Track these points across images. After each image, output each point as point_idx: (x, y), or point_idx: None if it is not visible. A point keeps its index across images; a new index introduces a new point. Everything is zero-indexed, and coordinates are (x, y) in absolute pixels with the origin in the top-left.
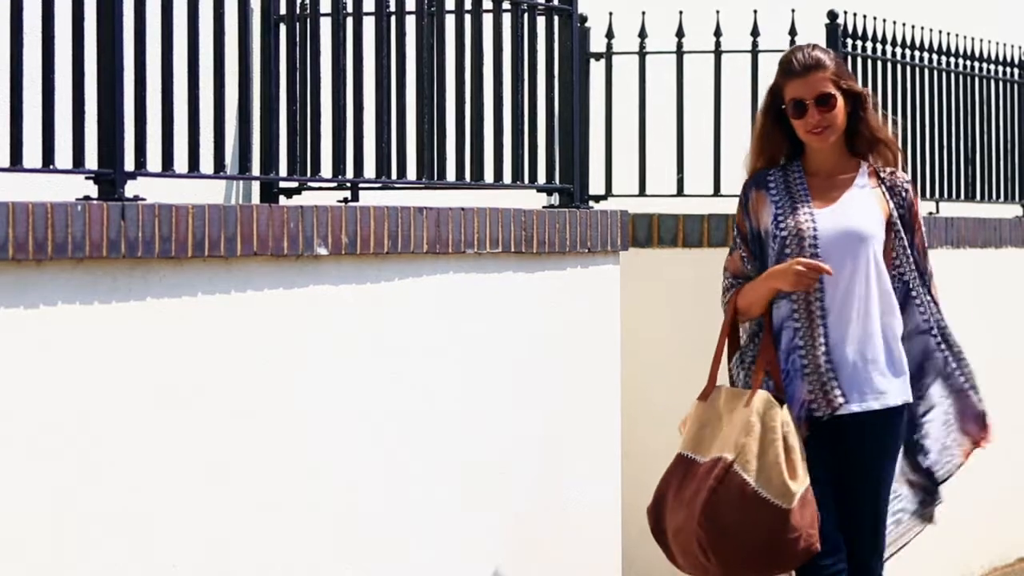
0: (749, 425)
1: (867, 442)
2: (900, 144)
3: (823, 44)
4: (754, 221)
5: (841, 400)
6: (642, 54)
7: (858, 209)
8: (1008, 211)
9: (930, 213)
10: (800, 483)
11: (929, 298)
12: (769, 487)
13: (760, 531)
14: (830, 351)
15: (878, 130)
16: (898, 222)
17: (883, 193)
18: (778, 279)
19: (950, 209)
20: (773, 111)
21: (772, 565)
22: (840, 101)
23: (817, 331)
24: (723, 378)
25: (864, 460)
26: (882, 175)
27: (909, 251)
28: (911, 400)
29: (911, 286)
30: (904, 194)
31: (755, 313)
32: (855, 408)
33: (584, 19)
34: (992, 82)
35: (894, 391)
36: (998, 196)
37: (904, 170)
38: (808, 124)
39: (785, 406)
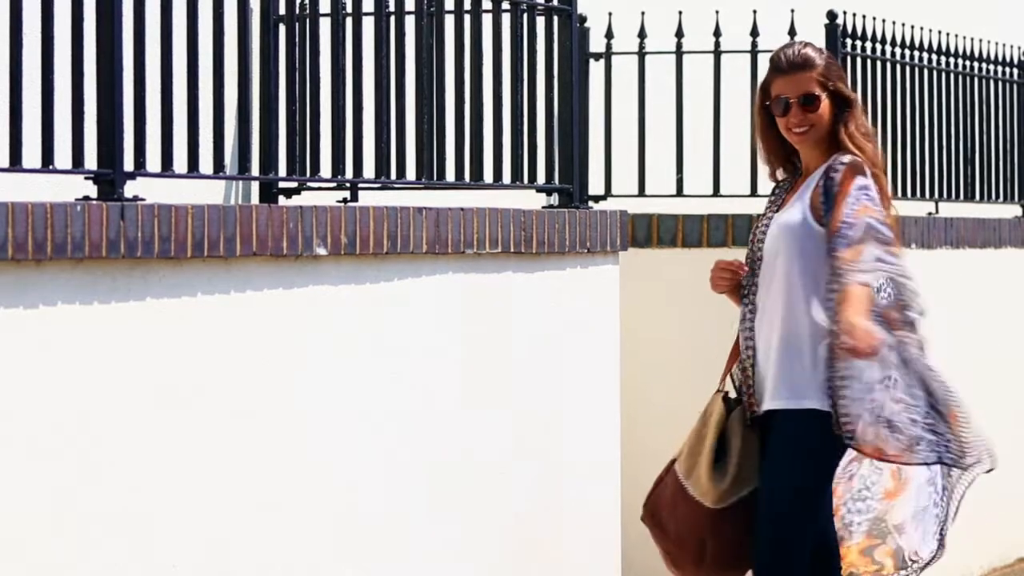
0: (696, 425)
1: (771, 441)
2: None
3: (823, 44)
4: None
5: (755, 404)
6: (641, 54)
7: (792, 207)
8: (1007, 211)
9: (929, 214)
10: (730, 484)
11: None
12: (697, 485)
13: (690, 530)
14: (754, 352)
15: (854, 137)
16: (823, 206)
17: (821, 185)
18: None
19: (949, 209)
20: (765, 108)
21: (708, 571)
22: (825, 102)
23: (747, 331)
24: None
25: (766, 457)
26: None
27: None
28: (819, 407)
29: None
30: (833, 175)
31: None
32: (763, 409)
33: (583, 19)
34: (992, 82)
35: (797, 394)
36: (997, 196)
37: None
38: (789, 123)
39: (741, 406)
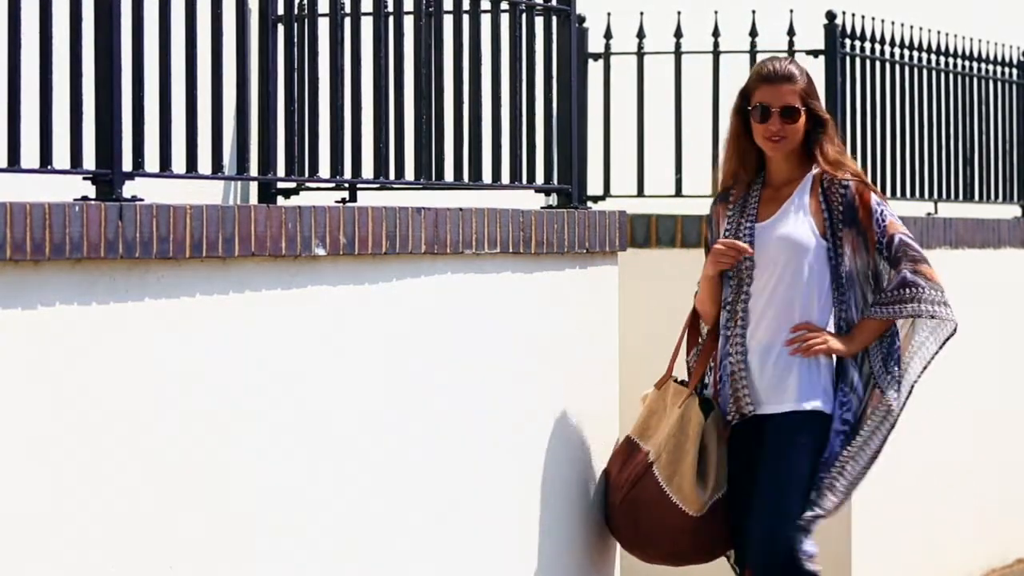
0: (673, 427)
1: (772, 437)
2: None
3: (822, 44)
4: (715, 233)
5: (750, 407)
6: (640, 54)
7: (791, 220)
8: (1007, 211)
9: (928, 214)
10: (711, 492)
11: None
12: (679, 493)
13: (666, 532)
14: (745, 357)
15: (837, 154)
16: (840, 222)
17: (820, 199)
18: (705, 267)
19: (949, 210)
20: (743, 114)
21: (676, 561)
22: (803, 117)
23: (737, 337)
24: (685, 367)
25: (768, 453)
26: (824, 179)
27: (865, 249)
28: (823, 409)
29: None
30: (844, 191)
31: (710, 313)
32: (762, 411)
33: (582, 19)
34: (991, 83)
35: (804, 396)
36: (997, 197)
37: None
38: (768, 131)
39: (715, 410)
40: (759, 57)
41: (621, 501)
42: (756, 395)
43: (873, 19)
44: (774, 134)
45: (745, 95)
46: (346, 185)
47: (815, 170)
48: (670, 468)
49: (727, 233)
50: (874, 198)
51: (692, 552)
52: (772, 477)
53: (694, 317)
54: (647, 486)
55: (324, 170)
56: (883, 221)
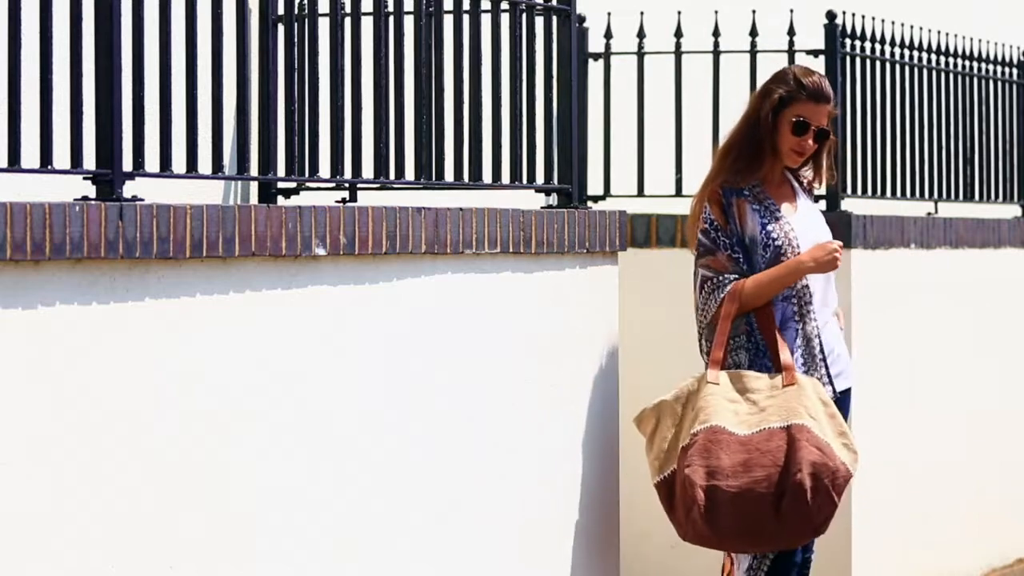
0: (817, 402)
1: (843, 410)
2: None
3: (822, 44)
4: (738, 227)
5: (830, 386)
6: (640, 54)
7: (816, 217)
8: (1007, 211)
9: (928, 214)
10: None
11: None
12: (845, 454)
13: (835, 495)
14: (823, 344)
15: (830, 167)
16: None
17: (810, 202)
18: (813, 267)
19: (949, 209)
20: (776, 115)
21: (820, 530)
22: None
23: (812, 324)
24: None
25: None
26: (803, 184)
27: None
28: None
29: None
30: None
31: (757, 305)
32: (839, 388)
33: (582, 19)
34: (991, 82)
35: (853, 372)
36: (997, 196)
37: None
38: (801, 146)
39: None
40: (759, 57)
41: (809, 476)
42: (832, 374)
43: (873, 19)
44: (806, 151)
45: (783, 103)
46: (346, 185)
47: (804, 178)
48: (828, 435)
49: (768, 226)
50: None
51: (828, 520)
52: None
53: (728, 311)
54: (831, 458)
55: (324, 170)
56: None
